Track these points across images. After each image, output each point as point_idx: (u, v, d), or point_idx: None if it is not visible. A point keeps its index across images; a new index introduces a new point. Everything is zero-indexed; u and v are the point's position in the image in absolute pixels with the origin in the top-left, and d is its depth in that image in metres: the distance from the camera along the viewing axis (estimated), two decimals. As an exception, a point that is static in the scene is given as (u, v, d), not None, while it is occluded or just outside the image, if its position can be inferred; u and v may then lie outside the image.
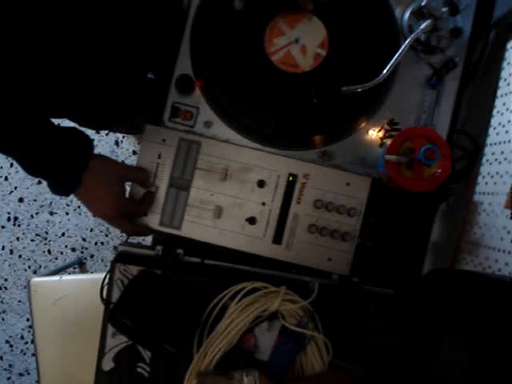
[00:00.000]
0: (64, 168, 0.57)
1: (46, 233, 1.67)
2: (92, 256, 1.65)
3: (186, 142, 0.63)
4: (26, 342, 1.69)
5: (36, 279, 1.14)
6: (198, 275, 0.62)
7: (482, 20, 0.65)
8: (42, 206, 1.66)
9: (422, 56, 0.63)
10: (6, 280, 1.70)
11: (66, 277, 1.16)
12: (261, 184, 0.63)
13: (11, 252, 1.69)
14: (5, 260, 1.69)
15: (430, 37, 0.62)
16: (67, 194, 0.59)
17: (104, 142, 1.63)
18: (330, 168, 0.63)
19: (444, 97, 0.63)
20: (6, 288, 1.70)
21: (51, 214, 1.66)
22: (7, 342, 1.70)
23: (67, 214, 1.65)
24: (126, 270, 0.62)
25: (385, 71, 0.58)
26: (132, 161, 1.63)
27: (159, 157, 0.63)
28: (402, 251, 0.64)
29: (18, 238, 1.68)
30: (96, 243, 1.65)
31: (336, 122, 0.64)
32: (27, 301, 1.16)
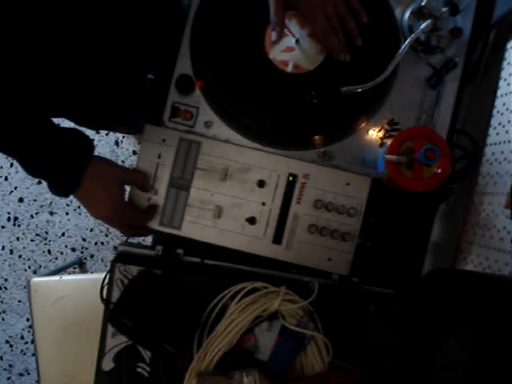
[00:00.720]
0: (64, 169, 0.57)
1: (46, 233, 1.67)
2: (92, 256, 1.65)
3: (185, 142, 0.63)
4: (26, 342, 1.69)
5: (36, 279, 1.14)
6: (198, 275, 0.62)
7: (481, 20, 0.65)
8: (42, 206, 1.66)
9: (422, 56, 0.63)
10: (6, 280, 1.70)
11: (66, 277, 1.16)
12: (261, 184, 0.63)
13: (11, 252, 1.69)
14: (5, 260, 1.69)
15: (430, 37, 0.62)
16: (67, 195, 0.59)
17: (104, 142, 1.63)
18: (330, 168, 0.63)
19: (444, 97, 0.63)
20: (6, 288, 1.70)
21: (51, 214, 1.66)
22: (7, 341, 1.70)
23: (67, 214, 1.65)
24: (126, 270, 0.62)
25: (385, 71, 0.58)
26: (132, 161, 1.63)
27: (159, 157, 0.63)
28: (402, 251, 0.63)
29: (17, 238, 1.68)
30: (96, 243, 1.65)
31: (336, 122, 0.64)
32: (27, 301, 1.16)
